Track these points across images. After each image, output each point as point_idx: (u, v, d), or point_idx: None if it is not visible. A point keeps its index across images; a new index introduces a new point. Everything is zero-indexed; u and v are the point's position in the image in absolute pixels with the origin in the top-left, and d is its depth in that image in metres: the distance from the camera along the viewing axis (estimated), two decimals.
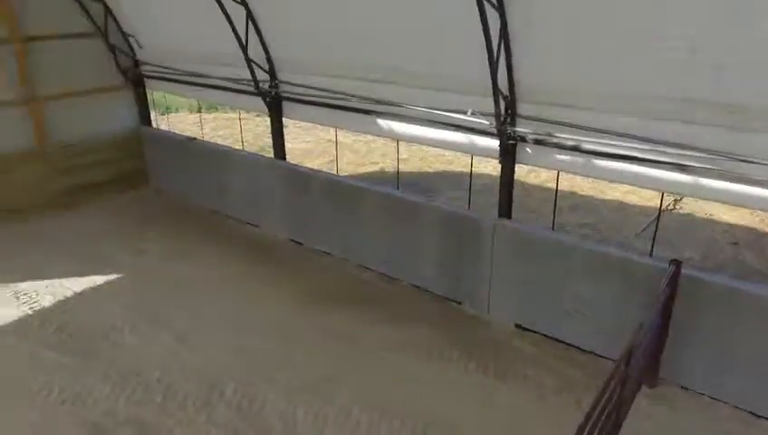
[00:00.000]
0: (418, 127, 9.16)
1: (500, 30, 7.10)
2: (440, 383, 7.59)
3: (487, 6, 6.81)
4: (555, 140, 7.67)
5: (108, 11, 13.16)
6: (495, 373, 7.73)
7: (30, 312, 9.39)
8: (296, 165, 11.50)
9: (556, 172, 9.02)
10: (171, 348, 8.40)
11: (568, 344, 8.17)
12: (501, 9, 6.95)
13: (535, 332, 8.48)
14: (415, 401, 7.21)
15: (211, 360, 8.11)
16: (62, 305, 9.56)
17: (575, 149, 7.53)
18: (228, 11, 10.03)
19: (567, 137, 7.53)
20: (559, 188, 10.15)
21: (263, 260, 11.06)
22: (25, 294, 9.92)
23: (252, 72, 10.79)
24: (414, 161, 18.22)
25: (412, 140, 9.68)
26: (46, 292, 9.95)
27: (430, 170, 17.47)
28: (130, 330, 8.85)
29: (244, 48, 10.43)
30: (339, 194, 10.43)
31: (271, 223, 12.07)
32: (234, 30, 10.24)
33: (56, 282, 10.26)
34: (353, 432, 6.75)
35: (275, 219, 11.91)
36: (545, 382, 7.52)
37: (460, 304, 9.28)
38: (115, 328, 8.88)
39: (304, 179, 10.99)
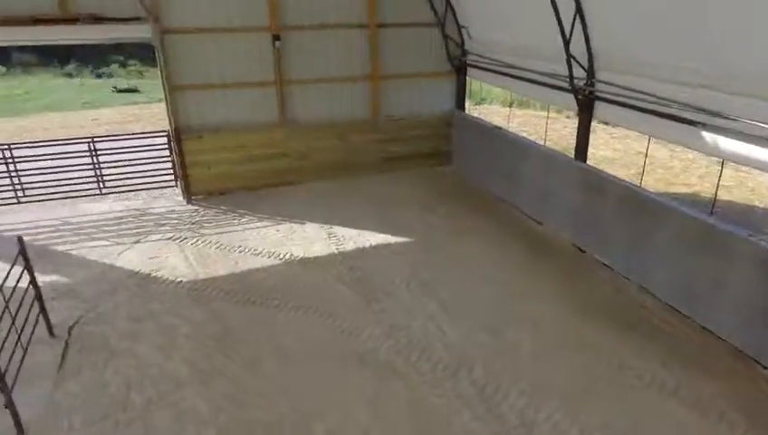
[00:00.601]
0: (754, 147, 7.68)
1: None
2: None
3: None
4: None
5: (448, 4, 14.44)
6: None
7: (336, 251, 11.19)
8: (595, 168, 10.91)
9: None
10: (434, 314, 9.02)
11: None
12: None
13: None
14: None
15: (467, 336, 8.44)
16: (359, 252, 11.12)
17: None
18: (558, 5, 9.95)
19: None
20: None
21: (539, 256, 10.92)
22: (335, 236, 11.84)
23: (569, 68, 10.55)
24: (741, 191, 15.43)
25: (742, 161, 8.16)
26: (350, 239, 11.70)
27: (761, 205, 14.58)
28: (405, 288, 9.80)
29: (567, 43, 10.25)
30: (637, 207, 9.55)
31: (555, 222, 11.79)
32: (560, 25, 10.14)
33: (360, 232, 11.97)
34: None
35: (561, 220, 11.58)
36: None
37: (766, 368, 7.62)
38: (393, 283, 9.95)
39: (601, 185, 10.36)
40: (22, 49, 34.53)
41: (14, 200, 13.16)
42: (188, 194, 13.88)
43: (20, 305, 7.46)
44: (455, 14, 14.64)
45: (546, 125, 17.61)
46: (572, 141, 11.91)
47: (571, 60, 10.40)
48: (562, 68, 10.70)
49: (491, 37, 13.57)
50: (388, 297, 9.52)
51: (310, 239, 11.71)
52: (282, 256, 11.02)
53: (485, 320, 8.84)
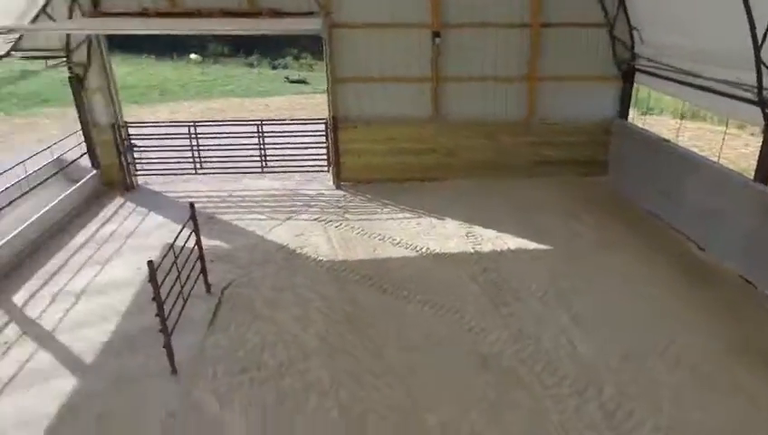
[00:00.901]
0: None
1: None
2: None
3: None
4: None
5: (621, 4, 13.50)
6: None
7: (472, 250, 11.11)
8: None
9: None
10: (567, 326, 8.57)
11: None
12: None
13: None
14: None
15: (600, 354, 7.90)
16: (496, 254, 10.92)
17: None
18: (750, 3, 8.83)
19: None
20: None
21: (696, 283, 9.84)
22: (474, 236, 11.74)
23: (759, 77, 9.31)
24: None
25: None
26: (489, 240, 11.53)
27: None
28: (540, 295, 9.44)
29: (759, 47, 9.05)
30: None
31: (721, 249, 10.51)
32: (751, 25, 8.98)
33: (499, 235, 11.73)
34: None
35: (728, 246, 10.30)
36: None
37: None
38: (528, 289, 9.62)
39: None
40: (217, 40, 39.03)
41: (193, 171, 14.92)
42: (338, 180, 14.67)
43: (185, 263, 8.48)
44: (627, 15, 13.65)
45: (722, 141, 15.73)
46: (754, 162, 10.51)
47: (762, 66, 9.18)
48: (748, 76, 9.48)
49: (665, 40, 12.43)
50: (520, 302, 9.23)
51: (447, 236, 11.75)
52: (418, 248, 11.20)
53: (624, 341, 8.20)
